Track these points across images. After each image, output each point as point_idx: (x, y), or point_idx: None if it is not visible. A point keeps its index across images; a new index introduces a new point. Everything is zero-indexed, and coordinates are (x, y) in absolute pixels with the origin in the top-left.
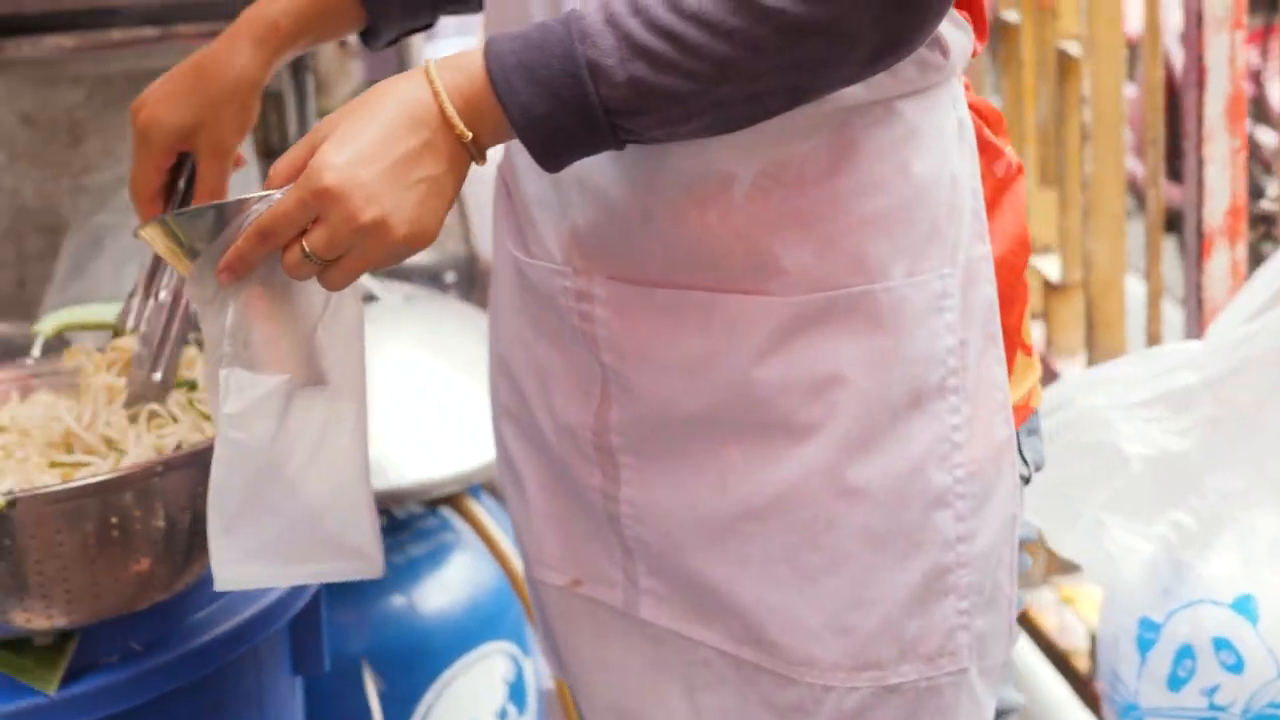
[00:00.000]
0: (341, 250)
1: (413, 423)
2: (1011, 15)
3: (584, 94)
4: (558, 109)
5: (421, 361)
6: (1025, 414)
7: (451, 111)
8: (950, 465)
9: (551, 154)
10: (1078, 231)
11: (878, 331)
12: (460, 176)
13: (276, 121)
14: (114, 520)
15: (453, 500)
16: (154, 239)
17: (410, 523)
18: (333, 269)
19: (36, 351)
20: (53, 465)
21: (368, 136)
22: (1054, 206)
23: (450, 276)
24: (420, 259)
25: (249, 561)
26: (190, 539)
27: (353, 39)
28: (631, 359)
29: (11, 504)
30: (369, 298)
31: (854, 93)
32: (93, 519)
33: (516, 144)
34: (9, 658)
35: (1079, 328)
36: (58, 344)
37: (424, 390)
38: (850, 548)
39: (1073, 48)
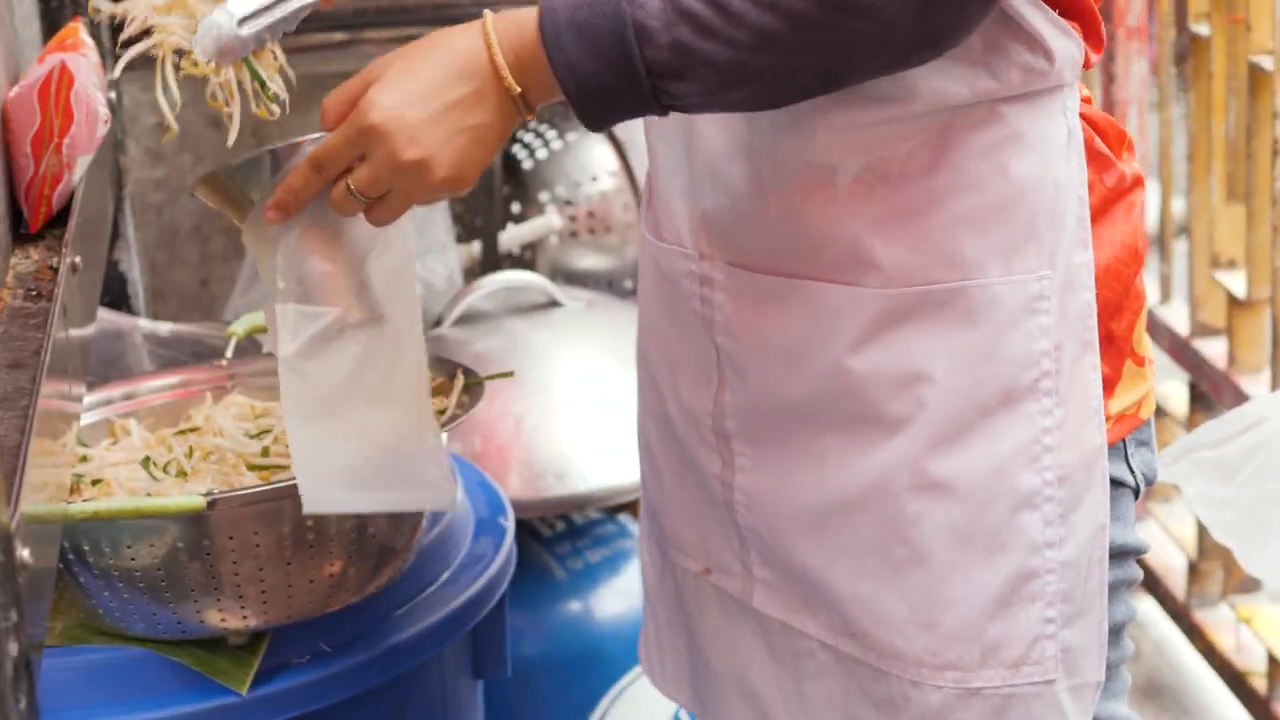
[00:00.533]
0: (384, 188)
1: (593, 428)
2: (1202, 28)
3: (628, 54)
4: (603, 67)
5: (602, 367)
6: (1134, 424)
7: (502, 64)
8: (1040, 467)
9: (594, 113)
10: (1266, 248)
11: (970, 328)
12: (506, 130)
13: None
14: (309, 523)
15: (632, 507)
16: (208, 196)
17: (589, 529)
18: (377, 205)
19: (230, 353)
20: (250, 468)
21: (419, 80)
22: (1241, 222)
23: (629, 283)
24: (601, 265)
25: (333, 488)
26: (382, 543)
27: None
28: (743, 343)
29: (211, 505)
30: (552, 303)
31: (958, 93)
32: (289, 521)
33: (655, 128)
34: (203, 657)
35: (1264, 345)
36: (250, 346)
37: (605, 396)
38: (935, 543)
39: (1266, 62)
